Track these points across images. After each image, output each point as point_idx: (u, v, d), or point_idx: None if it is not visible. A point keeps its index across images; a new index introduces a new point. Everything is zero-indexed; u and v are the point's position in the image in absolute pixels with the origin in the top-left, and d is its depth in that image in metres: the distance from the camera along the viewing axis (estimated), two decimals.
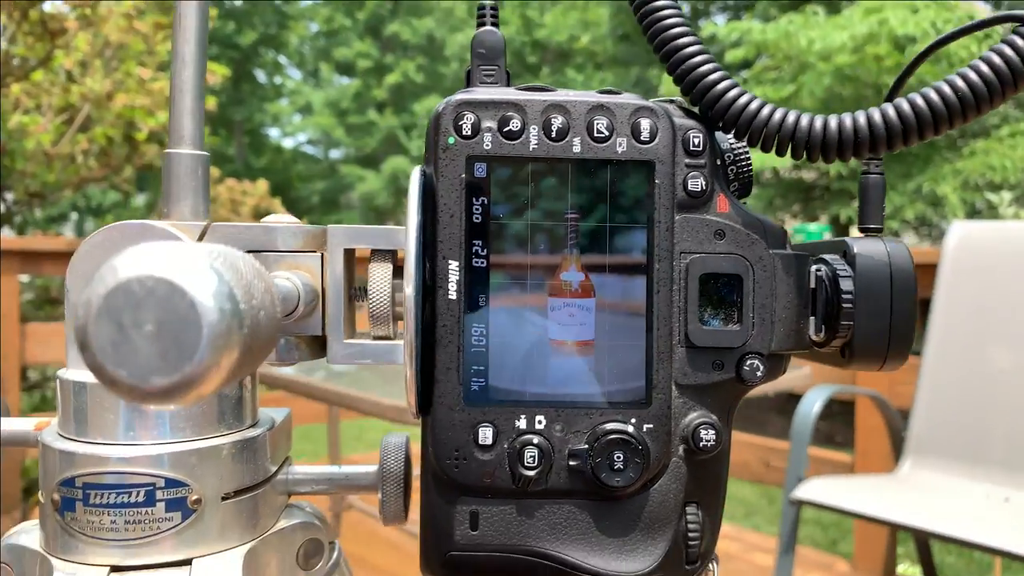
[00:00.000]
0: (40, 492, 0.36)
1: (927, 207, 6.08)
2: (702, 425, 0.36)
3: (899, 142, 0.34)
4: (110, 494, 0.34)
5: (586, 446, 0.36)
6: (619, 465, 0.36)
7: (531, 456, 0.35)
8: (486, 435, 0.36)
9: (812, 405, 2.15)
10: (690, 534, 0.37)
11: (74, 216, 9.75)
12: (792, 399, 2.34)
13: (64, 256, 3.46)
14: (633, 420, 0.36)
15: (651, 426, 0.36)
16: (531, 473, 0.35)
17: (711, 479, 0.38)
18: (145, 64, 4.37)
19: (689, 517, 0.37)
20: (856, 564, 2.80)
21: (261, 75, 14.46)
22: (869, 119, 0.35)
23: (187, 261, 0.20)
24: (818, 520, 3.69)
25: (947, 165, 5.46)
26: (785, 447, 2.19)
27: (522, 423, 0.36)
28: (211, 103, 5.64)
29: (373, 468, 0.42)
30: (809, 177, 6.37)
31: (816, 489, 2.00)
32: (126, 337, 0.19)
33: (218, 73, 4.95)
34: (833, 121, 0.35)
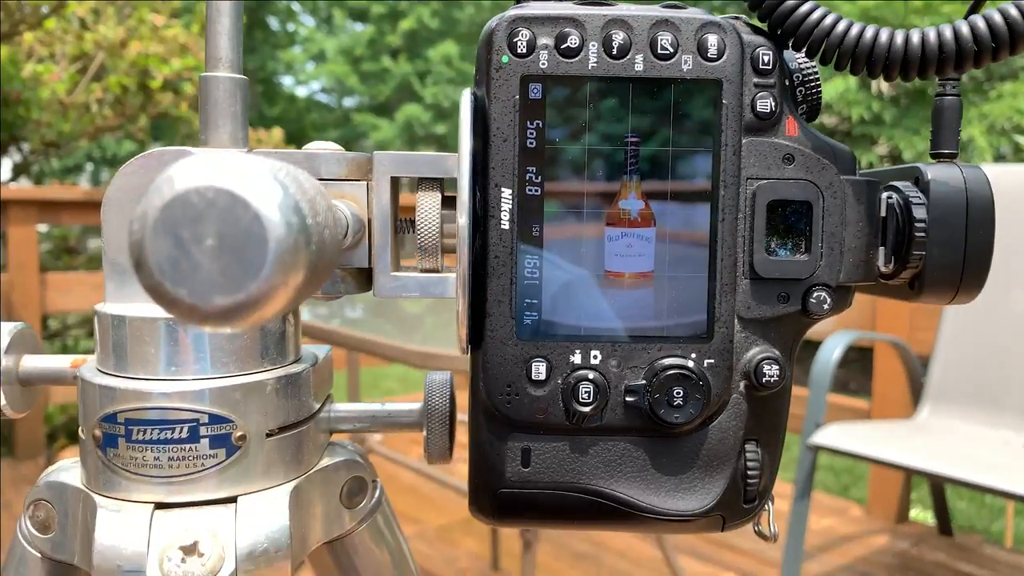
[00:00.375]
0: (80, 428, 0.35)
1: None
2: (765, 360, 0.35)
3: (987, 57, 0.32)
4: (153, 430, 0.33)
5: (644, 382, 0.35)
6: (679, 401, 0.34)
7: (586, 392, 0.34)
8: (539, 370, 0.34)
9: (832, 352, 2.14)
10: (749, 472, 0.36)
11: (89, 167, 9.74)
12: (807, 346, 2.31)
13: (81, 206, 3.47)
14: (694, 355, 0.35)
15: (712, 361, 0.35)
16: (586, 409, 0.34)
17: (771, 416, 0.37)
18: (158, 11, 4.32)
19: (748, 455, 0.36)
20: (870, 509, 2.82)
21: (274, 22, 14.28)
22: (956, 32, 0.32)
23: (249, 171, 0.18)
24: (831, 466, 3.71)
25: (974, 108, 5.35)
26: (802, 394, 2.18)
27: (577, 358, 0.34)
28: None
29: (417, 406, 0.40)
30: (830, 123, 6.27)
31: (833, 435, 2.00)
32: (185, 253, 0.18)
33: None
34: (916, 36, 0.33)
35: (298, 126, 13.54)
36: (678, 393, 0.34)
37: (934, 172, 0.36)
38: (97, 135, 4.44)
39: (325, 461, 0.39)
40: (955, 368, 2.30)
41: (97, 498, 0.34)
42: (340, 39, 13.81)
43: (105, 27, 3.99)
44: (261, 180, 0.18)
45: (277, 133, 5.81)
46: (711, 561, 2.47)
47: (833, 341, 2.18)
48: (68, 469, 0.37)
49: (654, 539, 2.12)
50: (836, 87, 6.40)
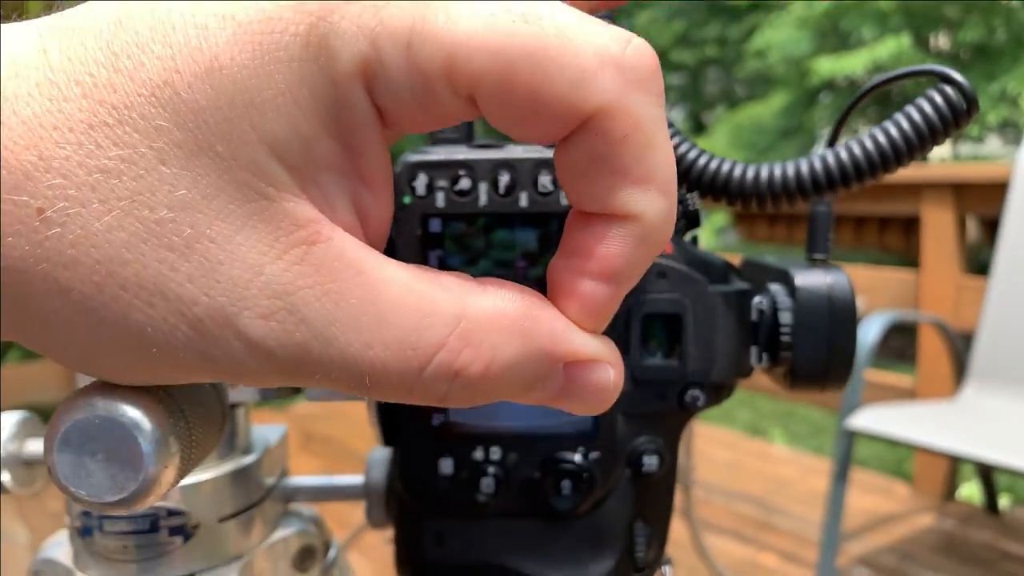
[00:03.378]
0: (66, 518, 0.42)
1: (1011, 109, 5.77)
2: (646, 452, 0.40)
3: (839, 187, 0.36)
4: (121, 523, 0.39)
5: (538, 474, 0.39)
6: (567, 491, 0.39)
7: (487, 484, 0.39)
8: (446, 465, 0.39)
9: (868, 334, 2.12)
10: (637, 546, 0.41)
11: None
12: None
13: None
14: (581, 449, 0.39)
15: (597, 455, 0.39)
16: (487, 500, 0.39)
17: (657, 497, 0.41)
18: None
19: (636, 531, 0.41)
20: (916, 487, 2.79)
21: None
22: (811, 167, 0.36)
23: (130, 399, 0.24)
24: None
25: None
26: None
27: (479, 454, 0.39)
28: None
29: (361, 479, 0.46)
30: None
31: (871, 418, 1.99)
32: (83, 463, 0.24)
33: None
34: (764, 171, 0.37)
35: None
36: (566, 484, 0.39)
37: (801, 278, 0.39)
38: None
39: (279, 533, 0.44)
40: (1001, 345, 2.25)
41: None
42: None
43: None
44: (140, 409, 0.24)
45: None
46: (752, 543, 2.50)
47: (870, 323, 2.17)
48: (62, 545, 0.43)
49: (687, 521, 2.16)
50: (888, 47, 6.21)
